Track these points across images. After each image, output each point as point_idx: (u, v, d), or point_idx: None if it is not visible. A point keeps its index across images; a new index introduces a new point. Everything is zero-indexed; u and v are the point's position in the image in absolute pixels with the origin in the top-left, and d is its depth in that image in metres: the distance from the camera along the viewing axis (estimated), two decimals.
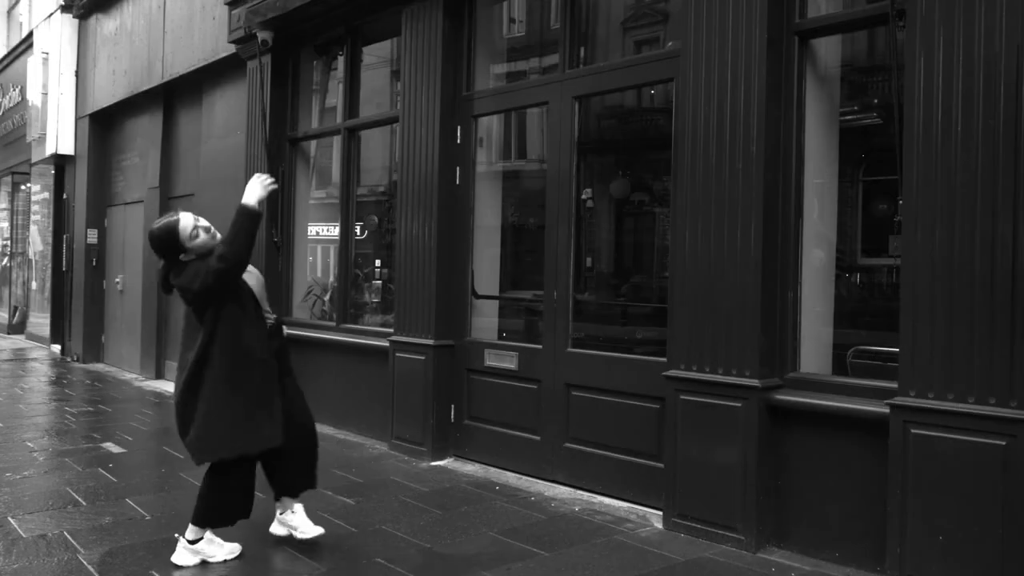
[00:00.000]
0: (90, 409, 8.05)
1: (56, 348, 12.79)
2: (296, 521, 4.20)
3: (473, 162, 6.19)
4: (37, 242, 14.50)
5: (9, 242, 16.60)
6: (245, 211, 3.72)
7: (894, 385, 3.74)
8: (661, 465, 4.64)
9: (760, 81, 4.22)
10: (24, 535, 4.27)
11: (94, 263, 11.72)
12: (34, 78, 12.33)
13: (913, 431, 3.60)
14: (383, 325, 7.07)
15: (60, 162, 12.58)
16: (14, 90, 14.18)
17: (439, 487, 5.34)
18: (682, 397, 4.46)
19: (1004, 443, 3.36)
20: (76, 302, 11.92)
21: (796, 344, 4.31)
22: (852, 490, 3.96)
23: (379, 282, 7.46)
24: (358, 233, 7.52)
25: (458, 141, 6.16)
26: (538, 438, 5.55)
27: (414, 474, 5.67)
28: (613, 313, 6.12)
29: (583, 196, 5.70)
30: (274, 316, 4.42)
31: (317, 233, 8.12)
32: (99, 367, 11.31)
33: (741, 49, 4.28)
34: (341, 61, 7.51)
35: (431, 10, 6.16)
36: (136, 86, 10.33)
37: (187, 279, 3.74)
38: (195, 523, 3.91)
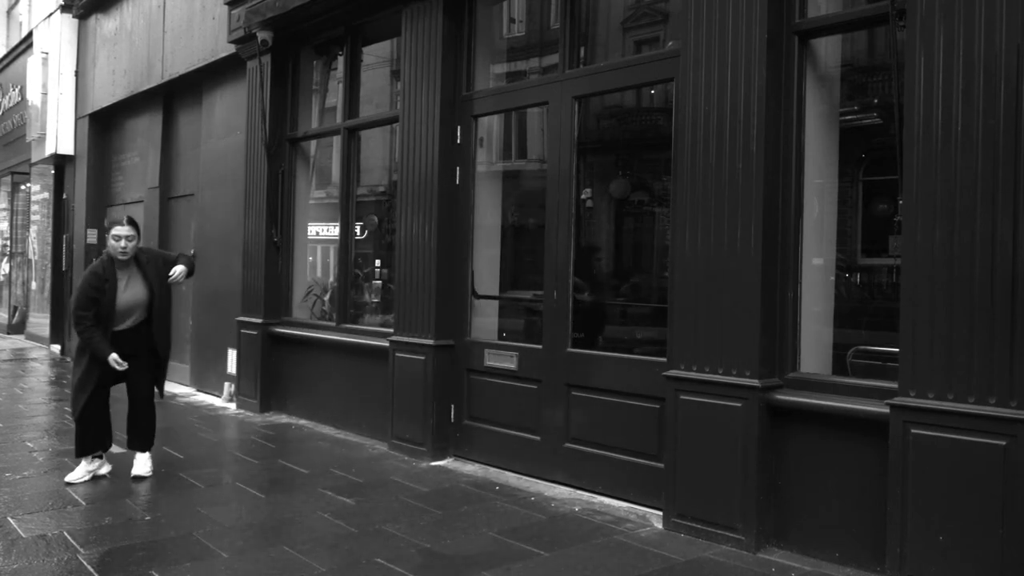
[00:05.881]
0: None
1: (56, 348, 12.78)
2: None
3: (473, 162, 6.18)
4: (35, 250, 14.50)
5: (9, 242, 16.58)
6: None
7: (894, 385, 3.74)
8: (661, 465, 4.64)
9: (760, 81, 4.22)
10: (24, 535, 4.26)
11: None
12: (34, 78, 12.32)
13: (913, 431, 3.60)
14: (383, 325, 7.07)
15: (60, 162, 12.57)
16: (14, 90, 14.17)
17: (439, 487, 5.34)
18: (682, 397, 4.46)
19: (1004, 443, 3.37)
20: None
21: (796, 344, 4.31)
22: (852, 490, 3.96)
23: (379, 282, 7.46)
24: (358, 233, 7.52)
25: (458, 141, 6.16)
26: (538, 438, 5.55)
27: (414, 474, 5.66)
28: (613, 313, 6.12)
29: (583, 196, 5.70)
30: None
31: (317, 233, 8.12)
32: None
33: (741, 49, 4.28)
34: (341, 61, 7.51)
35: (431, 10, 6.15)
36: (136, 86, 10.33)
37: None
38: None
